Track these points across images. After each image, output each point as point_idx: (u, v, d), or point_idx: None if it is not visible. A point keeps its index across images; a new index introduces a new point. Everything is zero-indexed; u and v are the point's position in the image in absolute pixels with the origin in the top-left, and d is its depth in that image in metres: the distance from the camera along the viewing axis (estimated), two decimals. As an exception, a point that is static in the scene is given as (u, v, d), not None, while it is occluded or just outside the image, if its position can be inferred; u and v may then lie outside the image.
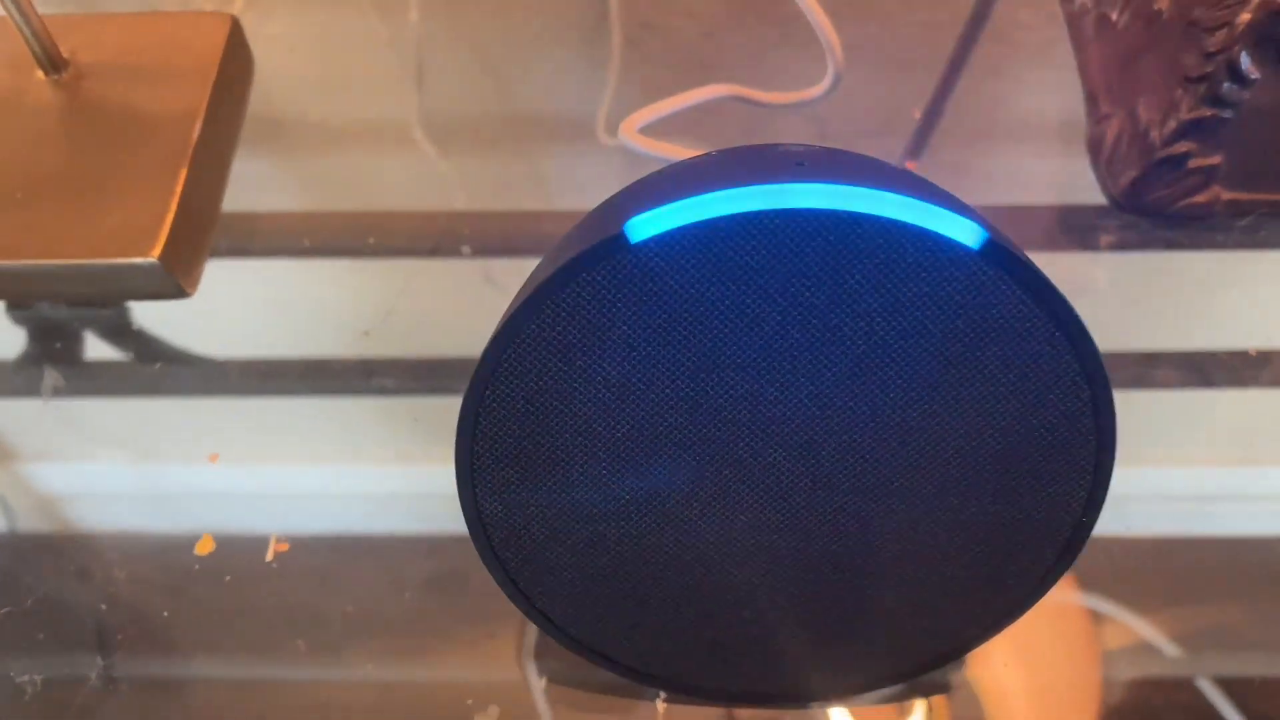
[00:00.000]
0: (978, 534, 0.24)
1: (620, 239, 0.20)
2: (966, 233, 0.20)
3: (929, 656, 0.26)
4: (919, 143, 0.39)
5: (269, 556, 0.30)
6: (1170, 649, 0.30)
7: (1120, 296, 0.37)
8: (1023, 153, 0.40)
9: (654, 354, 0.21)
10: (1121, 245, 0.37)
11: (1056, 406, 0.22)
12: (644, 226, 0.20)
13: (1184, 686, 0.30)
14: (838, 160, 0.22)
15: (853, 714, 0.28)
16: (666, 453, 0.23)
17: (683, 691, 0.28)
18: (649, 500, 0.23)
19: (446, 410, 0.33)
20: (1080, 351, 0.21)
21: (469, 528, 0.24)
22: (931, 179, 0.39)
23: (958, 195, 0.39)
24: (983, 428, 0.22)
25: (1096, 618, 0.31)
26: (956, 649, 0.26)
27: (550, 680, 0.28)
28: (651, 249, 0.20)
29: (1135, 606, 0.31)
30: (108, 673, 0.28)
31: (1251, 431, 0.35)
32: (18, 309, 0.34)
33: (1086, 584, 0.31)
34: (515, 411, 0.22)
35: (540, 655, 0.29)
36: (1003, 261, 0.20)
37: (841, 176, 0.20)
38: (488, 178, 0.41)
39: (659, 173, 0.23)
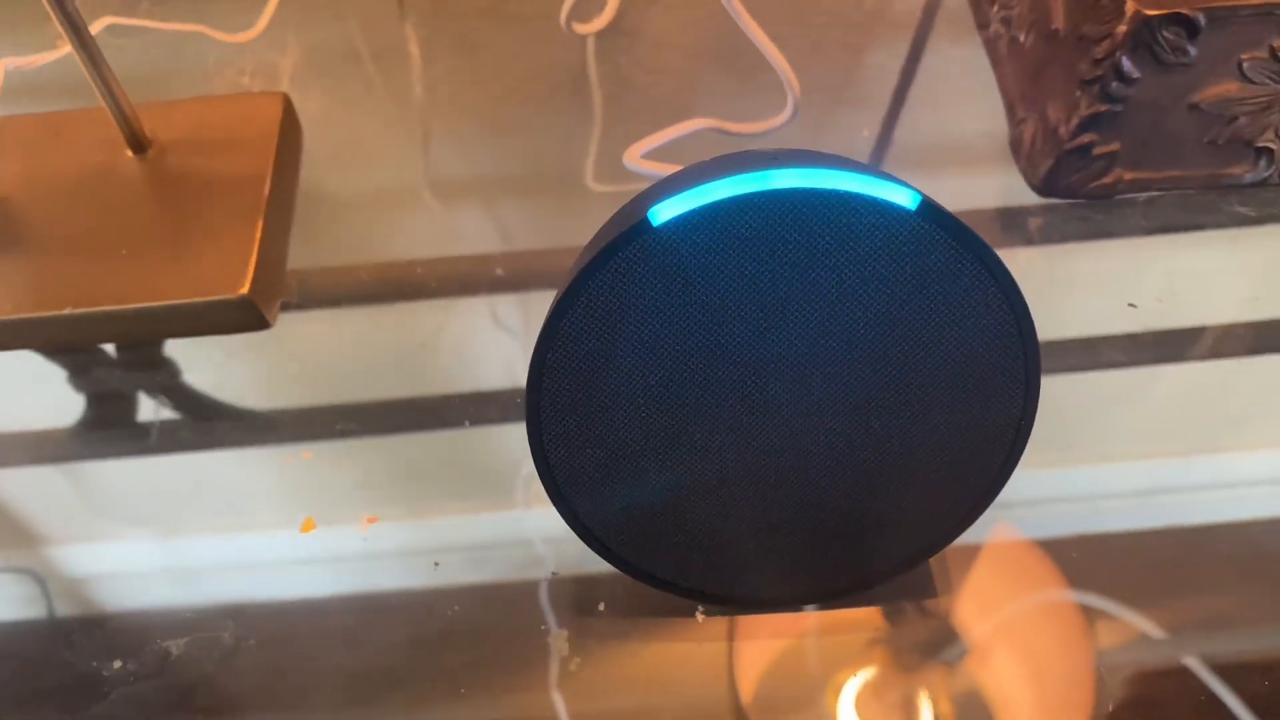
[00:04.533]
0: (940, 442, 0.30)
1: (645, 224, 0.27)
2: (905, 197, 0.27)
3: (916, 551, 0.32)
4: (871, 158, 0.46)
5: (362, 529, 0.36)
6: (1160, 635, 0.33)
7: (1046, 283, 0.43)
8: (958, 160, 0.47)
9: (677, 313, 0.28)
10: (1048, 233, 0.43)
11: (989, 330, 0.28)
12: (663, 213, 0.27)
13: (1176, 670, 0.33)
14: (803, 154, 0.29)
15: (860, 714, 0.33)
16: (691, 394, 0.29)
17: (717, 602, 0.33)
18: (679, 435, 0.29)
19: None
20: (1003, 284, 0.28)
21: (538, 472, 0.30)
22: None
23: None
24: (934, 353, 0.28)
25: (1089, 612, 0.34)
26: (938, 542, 0.32)
27: (608, 609, 0.34)
28: (670, 230, 0.27)
29: (1123, 599, 0.34)
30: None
31: (1208, 416, 0.39)
32: (65, 358, 0.40)
33: (1076, 581, 0.34)
34: (570, 371, 0.29)
35: (601, 590, 0.34)
36: (935, 218, 0.27)
37: (806, 164, 0.27)
38: (488, 223, 0.47)
39: (670, 177, 0.30)
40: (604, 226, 0.30)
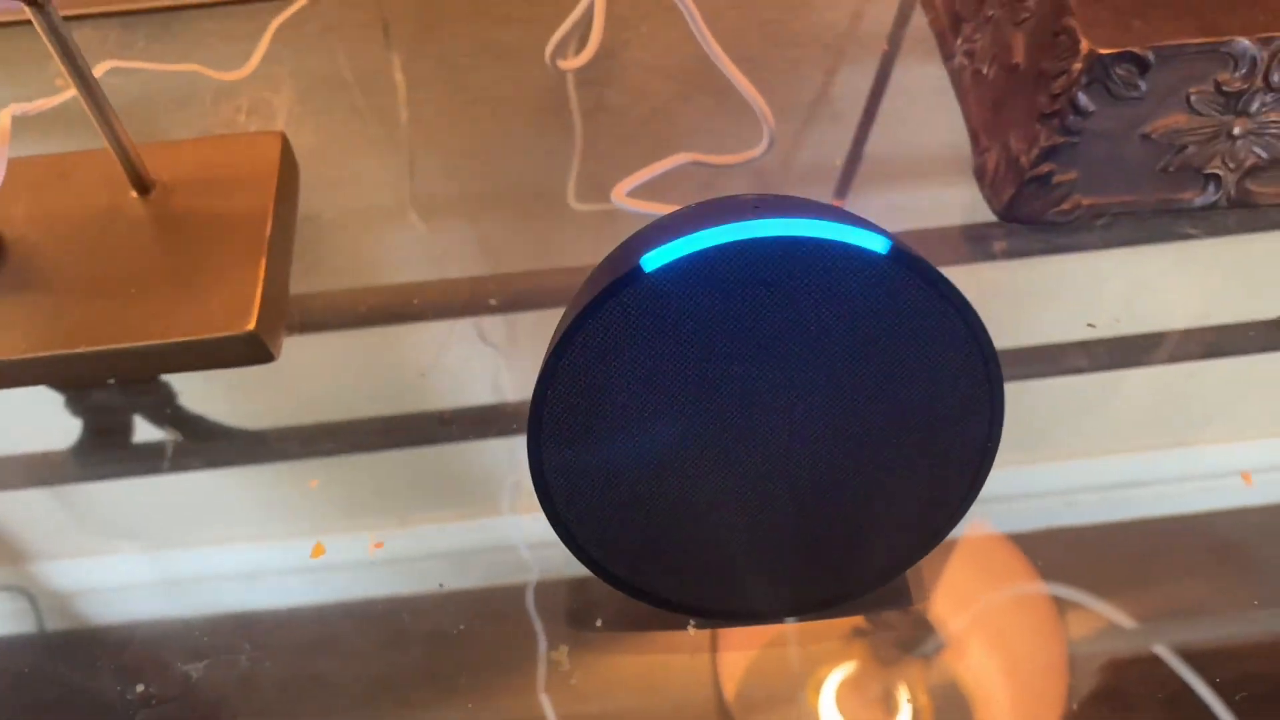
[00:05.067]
0: (913, 465, 0.32)
1: (638, 270, 0.29)
2: (876, 243, 0.29)
3: (892, 565, 0.35)
4: (844, 184, 0.49)
5: (370, 553, 0.38)
6: (1130, 624, 0.35)
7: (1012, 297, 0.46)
8: (927, 183, 0.49)
9: (668, 351, 0.30)
10: (1012, 252, 0.46)
11: (956, 363, 0.30)
12: (654, 260, 0.29)
13: (1145, 657, 0.34)
14: (782, 201, 0.31)
15: (844, 712, 0.35)
16: (682, 425, 0.31)
17: (707, 615, 0.36)
18: (672, 463, 0.32)
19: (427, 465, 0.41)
20: (968, 320, 0.30)
21: (539, 499, 0.32)
22: (854, 210, 0.48)
23: (877, 222, 0.48)
24: (906, 384, 0.31)
25: (1061, 603, 0.36)
26: (911, 556, 0.35)
27: (604, 624, 0.36)
28: (660, 276, 0.29)
29: (1095, 590, 0.36)
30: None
31: (1176, 414, 0.41)
32: (76, 390, 0.42)
33: (1049, 573, 0.36)
34: (569, 407, 0.31)
35: (597, 605, 0.37)
36: (904, 261, 0.29)
37: (785, 212, 0.29)
38: (478, 247, 0.49)
39: (656, 223, 0.32)
40: (596, 270, 0.32)
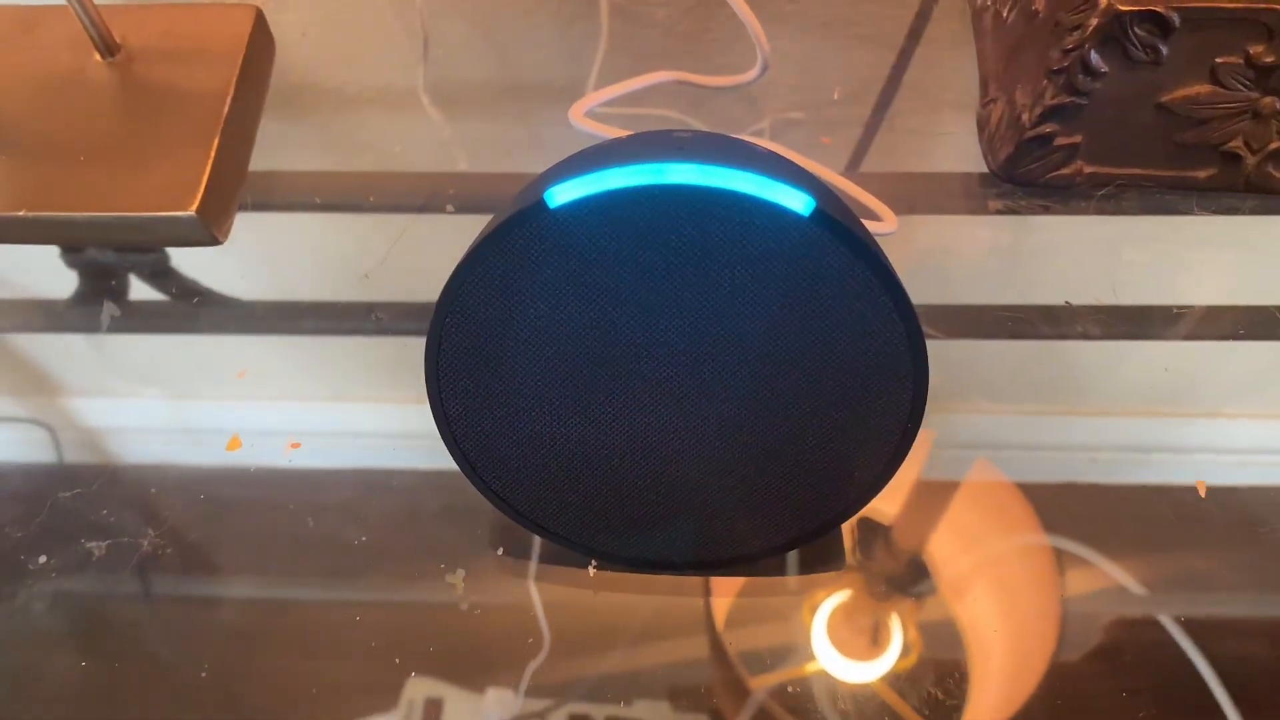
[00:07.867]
0: (829, 433, 0.31)
1: (541, 205, 0.27)
2: (799, 202, 0.27)
3: (800, 532, 0.33)
4: (837, 120, 0.46)
5: (285, 453, 0.38)
6: (1136, 589, 0.34)
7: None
8: (928, 129, 0.46)
9: (571, 292, 0.28)
10: (1008, 211, 0.43)
11: (878, 335, 0.29)
12: (559, 195, 0.27)
13: (1148, 624, 0.34)
14: (712, 143, 0.29)
15: (832, 639, 0.35)
16: (584, 368, 0.30)
17: (607, 558, 0.35)
18: (574, 404, 0.30)
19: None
20: (893, 292, 0.28)
21: (437, 425, 0.31)
22: (844, 152, 0.45)
23: (867, 164, 0.45)
24: (824, 352, 0.29)
25: (1068, 559, 0.35)
26: (823, 527, 0.33)
27: (505, 553, 0.36)
28: (565, 212, 0.27)
29: (1105, 549, 0.35)
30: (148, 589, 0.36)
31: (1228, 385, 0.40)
32: (71, 252, 0.42)
33: (1059, 527, 0.36)
34: (468, 336, 0.29)
35: (501, 534, 0.36)
36: (828, 224, 0.27)
37: (709, 158, 0.27)
38: (487, 140, 0.48)
39: (579, 153, 0.30)
40: (512, 198, 0.30)
